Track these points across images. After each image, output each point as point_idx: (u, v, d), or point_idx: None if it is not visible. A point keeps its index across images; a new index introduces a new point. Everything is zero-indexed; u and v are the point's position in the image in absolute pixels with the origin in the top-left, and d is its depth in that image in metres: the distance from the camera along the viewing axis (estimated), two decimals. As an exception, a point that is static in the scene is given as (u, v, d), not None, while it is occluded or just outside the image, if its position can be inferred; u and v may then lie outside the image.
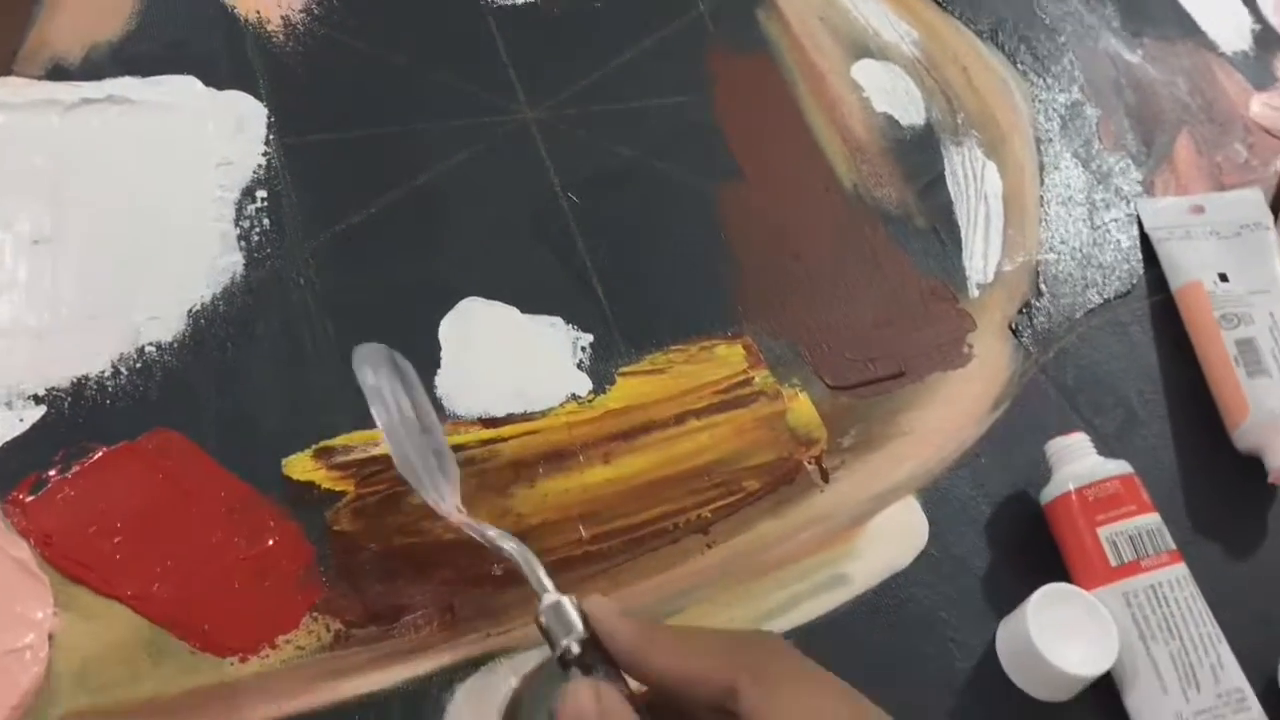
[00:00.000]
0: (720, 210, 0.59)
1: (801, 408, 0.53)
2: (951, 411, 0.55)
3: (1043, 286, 0.62)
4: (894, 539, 0.50)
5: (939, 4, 0.74)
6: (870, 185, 0.63)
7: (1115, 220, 0.67)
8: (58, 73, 0.52)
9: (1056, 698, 0.48)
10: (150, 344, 0.47)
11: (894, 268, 0.60)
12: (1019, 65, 0.73)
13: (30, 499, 0.42)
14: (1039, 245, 0.64)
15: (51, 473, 0.42)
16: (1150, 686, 0.47)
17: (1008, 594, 0.49)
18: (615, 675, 0.34)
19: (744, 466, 0.50)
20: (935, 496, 0.52)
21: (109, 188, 0.50)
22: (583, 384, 0.51)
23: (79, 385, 0.45)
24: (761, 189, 0.60)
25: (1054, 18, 0.76)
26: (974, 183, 0.65)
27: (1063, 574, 0.50)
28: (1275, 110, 0.77)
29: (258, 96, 0.55)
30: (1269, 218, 0.66)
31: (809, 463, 0.52)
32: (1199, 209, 0.67)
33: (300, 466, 0.45)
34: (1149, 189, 0.69)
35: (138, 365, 0.46)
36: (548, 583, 0.36)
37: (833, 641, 0.47)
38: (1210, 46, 0.80)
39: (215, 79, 0.55)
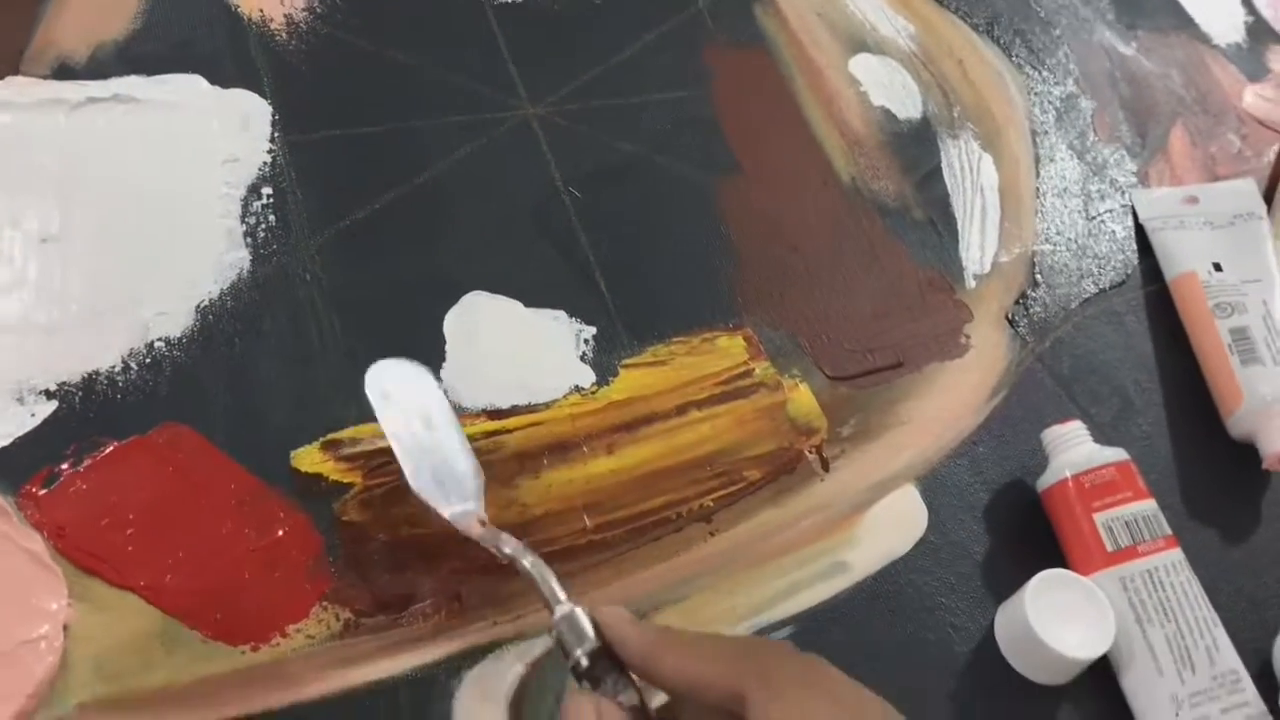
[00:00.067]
0: (720, 204, 0.59)
1: (801, 398, 0.54)
2: (949, 401, 0.56)
3: (1039, 277, 0.63)
4: (893, 527, 0.51)
5: (935, -2, 0.74)
6: (868, 178, 0.63)
7: (1110, 211, 0.67)
8: (64, 72, 0.53)
9: (1054, 681, 0.48)
10: (159, 339, 0.47)
11: (892, 259, 0.60)
12: (1014, 58, 0.73)
13: (43, 492, 0.42)
14: (1035, 236, 0.64)
15: (64, 466, 0.43)
16: (1146, 669, 0.47)
17: (1006, 580, 0.50)
18: (627, 683, 0.35)
19: (745, 456, 0.51)
20: (934, 484, 0.53)
21: (116, 185, 0.51)
22: (586, 376, 0.51)
23: (89, 380, 0.45)
24: (760, 182, 0.61)
25: (1049, 11, 0.77)
26: (970, 175, 0.66)
27: (1060, 560, 0.51)
28: (1267, 101, 0.78)
29: (262, 94, 0.55)
30: (1262, 208, 0.67)
31: (809, 452, 0.52)
32: (1193, 200, 0.68)
33: (308, 459, 0.46)
34: (1144, 180, 0.70)
35: (147, 360, 0.47)
36: (561, 594, 0.37)
37: (834, 628, 0.47)
38: (1204, 38, 0.80)
39: (220, 77, 0.55)
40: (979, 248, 0.63)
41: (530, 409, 0.50)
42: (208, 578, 0.42)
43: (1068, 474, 0.51)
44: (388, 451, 0.46)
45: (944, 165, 0.66)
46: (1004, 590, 0.50)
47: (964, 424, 0.56)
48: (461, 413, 0.48)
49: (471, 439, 0.47)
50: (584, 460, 0.49)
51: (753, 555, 0.49)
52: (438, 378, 0.49)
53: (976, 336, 0.59)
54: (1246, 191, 0.68)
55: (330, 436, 0.46)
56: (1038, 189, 0.67)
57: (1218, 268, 0.63)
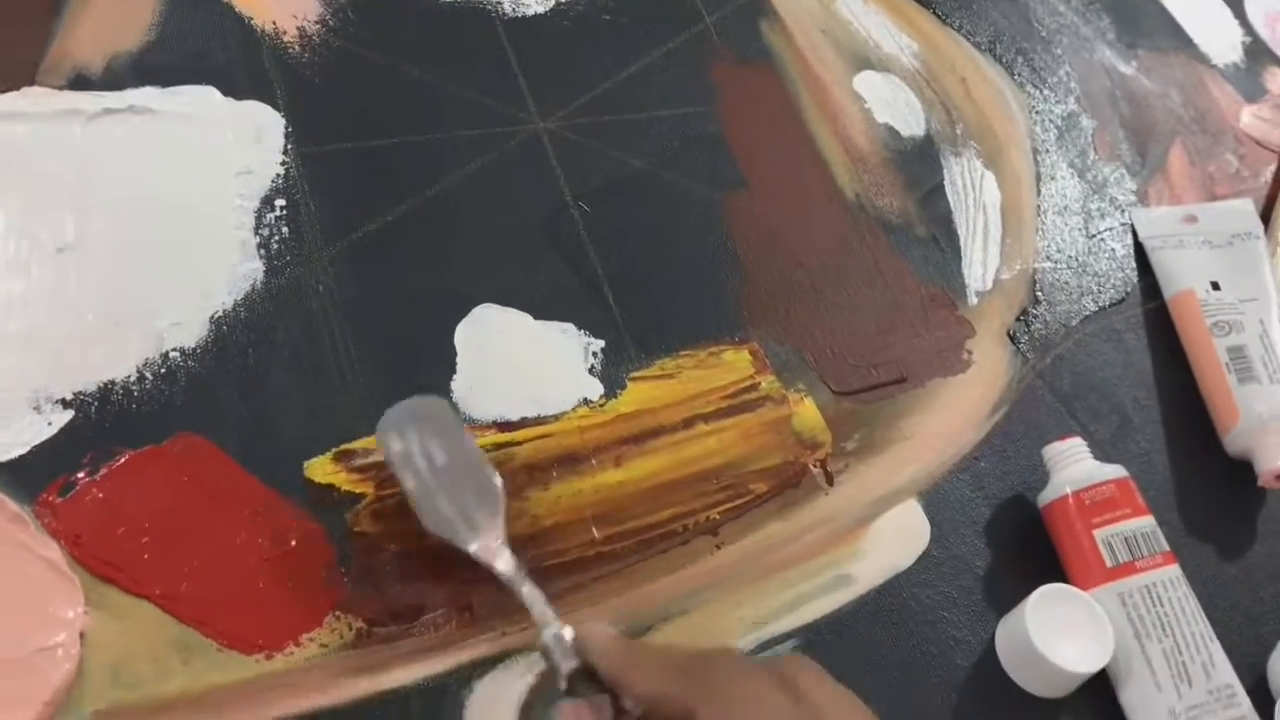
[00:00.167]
0: (726, 219, 0.60)
1: (806, 412, 0.54)
2: (951, 416, 0.57)
3: (1040, 294, 0.63)
4: (896, 540, 0.52)
5: (938, 17, 0.75)
6: (872, 194, 0.64)
7: (1110, 229, 0.68)
8: (80, 83, 0.53)
9: (1054, 694, 0.49)
10: (174, 349, 0.48)
11: (895, 275, 0.61)
12: (1016, 77, 0.74)
13: (60, 501, 0.43)
14: (1036, 254, 0.65)
15: (80, 475, 0.44)
16: (1144, 683, 0.48)
17: (1007, 594, 0.51)
18: (606, 699, 0.37)
19: (751, 469, 0.52)
20: (936, 499, 0.54)
21: (131, 196, 0.51)
22: (594, 389, 0.52)
23: (105, 390, 0.46)
24: (766, 198, 0.62)
25: (1050, 30, 0.78)
26: (973, 192, 0.67)
27: (1060, 575, 0.52)
28: (1264, 121, 0.79)
29: (275, 106, 0.56)
30: (1259, 227, 0.68)
31: (814, 466, 0.53)
32: (1192, 219, 0.69)
33: (321, 469, 0.46)
34: (1143, 199, 0.71)
35: (162, 370, 0.47)
36: (549, 615, 0.40)
37: (837, 640, 0.48)
38: (1202, 58, 0.82)
39: (234, 89, 0.56)
40: (981, 264, 0.63)
41: (539, 421, 0.50)
42: (222, 587, 0.43)
43: (1068, 490, 0.52)
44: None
45: (947, 182, 0.66)
46: (1005, 604, 0.51)
47: (966, 439, 0.56)
48: (471, 425, 0.49)
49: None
50: (592, 472, 0.50)
51: (758, 568, 0.49)
52: (448, 393, 0.49)
53: (978, 352, 0.60)
54: (1244, 211, 0.69)
55: (343, 447, 0.47)
56: (1039, 207, 0.68)
57: (1216, 286, 0.64)
